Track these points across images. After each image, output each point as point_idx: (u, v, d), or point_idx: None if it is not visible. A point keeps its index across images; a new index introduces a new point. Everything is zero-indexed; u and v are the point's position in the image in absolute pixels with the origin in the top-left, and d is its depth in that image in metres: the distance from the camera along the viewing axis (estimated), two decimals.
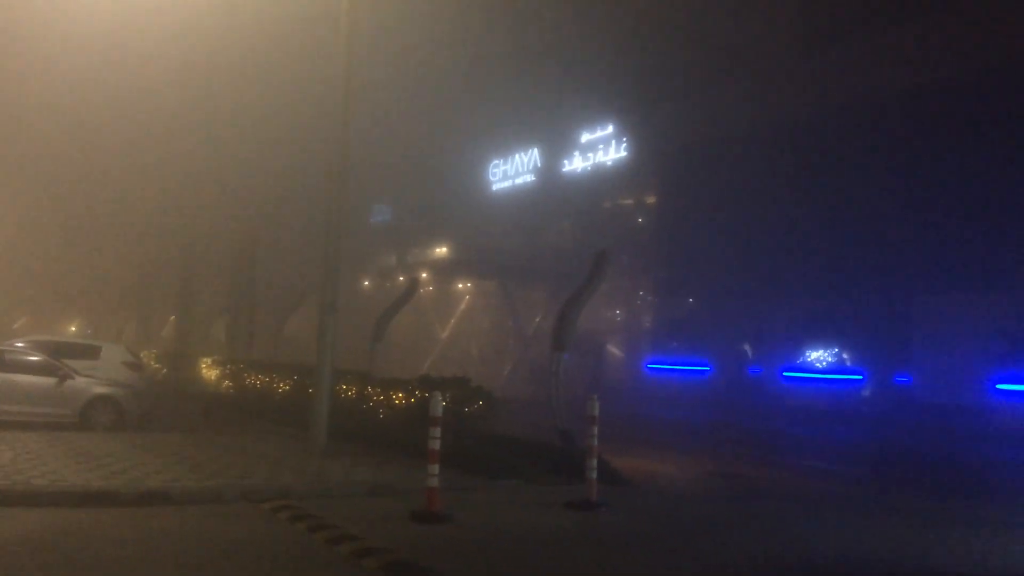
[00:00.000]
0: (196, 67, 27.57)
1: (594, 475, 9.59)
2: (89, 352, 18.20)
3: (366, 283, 46.14)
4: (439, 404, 8.74)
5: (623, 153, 33.25)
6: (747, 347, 29.77)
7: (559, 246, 34.81)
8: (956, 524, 9.41)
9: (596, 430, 9.75)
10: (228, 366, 24.23)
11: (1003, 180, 20.27)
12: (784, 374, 27.35)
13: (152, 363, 28.43)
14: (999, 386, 21.12)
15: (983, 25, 21.46)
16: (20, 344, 17.47)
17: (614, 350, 36.01)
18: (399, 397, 14.35)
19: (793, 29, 26.77)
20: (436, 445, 8.49)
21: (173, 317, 40.36)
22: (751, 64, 28.15)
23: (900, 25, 23.45)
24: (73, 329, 52.98)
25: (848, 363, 26.25)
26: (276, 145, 30.00)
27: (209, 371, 26.06)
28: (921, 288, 23.33)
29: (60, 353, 16.42)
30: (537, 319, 36.62)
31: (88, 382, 14.80)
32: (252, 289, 30.97)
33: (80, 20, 24.80)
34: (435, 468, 8.40)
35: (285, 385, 19.15)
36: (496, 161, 40.44)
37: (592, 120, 34.48)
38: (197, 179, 31.23)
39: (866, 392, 25.17)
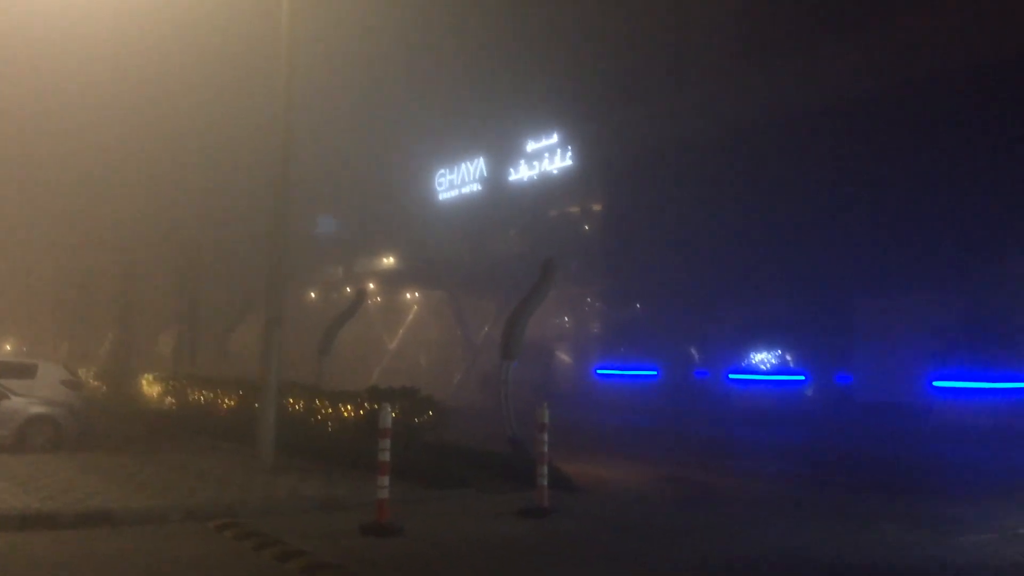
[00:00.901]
0: (136, 79, 27.09)
1: (545, 482, 9.64)
2: (25, 371, 17.63)
3: (312, 295, 45.67)
4: (388, 416, 8.71)
5: (568, 162, 33.51)
6: (693, 351, 30.22)
7: (507, 255, 34.90)
8: (895, 520, 9.67)
9: (546, 437, 9.81)
10: (171, 382, 23.75)
11: (938, 182, 20.91)
12: (730, 376, 27.83)
13: (91, 380, 27.69)
14: (935, 383, 21.79)
15: (926, 30, 22.11)
16: None
17: (564, 357, 36.23)
18: (348, 410, 14.23)
19: (737, 37, 27.34)
20: (386, 457, 8.46)
21: (112, 333, 39.39)
22: (692, 73, 28.68)
23: (840, 33, 24.08)
24: (8, 348, 51.30)
25: (791, 364, 26.84)
26: (219, 157, 29.60)
27: (151, 387, 25.50)
28: (860, 289, 23.97)
29: None
30: (486, 328, 36.66)
31: (24, 402, 14.34)
32: (195, 302, 30.42)
33: (15, 30, 24.18)
34: (385, 480, 8.36)
35: (230, 400, 18.85)
36: (442, 171, 40.39)
37: (537, 129, 34.69)
38: (137, 191, 30.60)
39: (809, 392, 25.75)
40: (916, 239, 21.51)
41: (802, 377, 26.16)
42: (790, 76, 25.02)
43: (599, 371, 32.61)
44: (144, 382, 26.45)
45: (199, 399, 20.76)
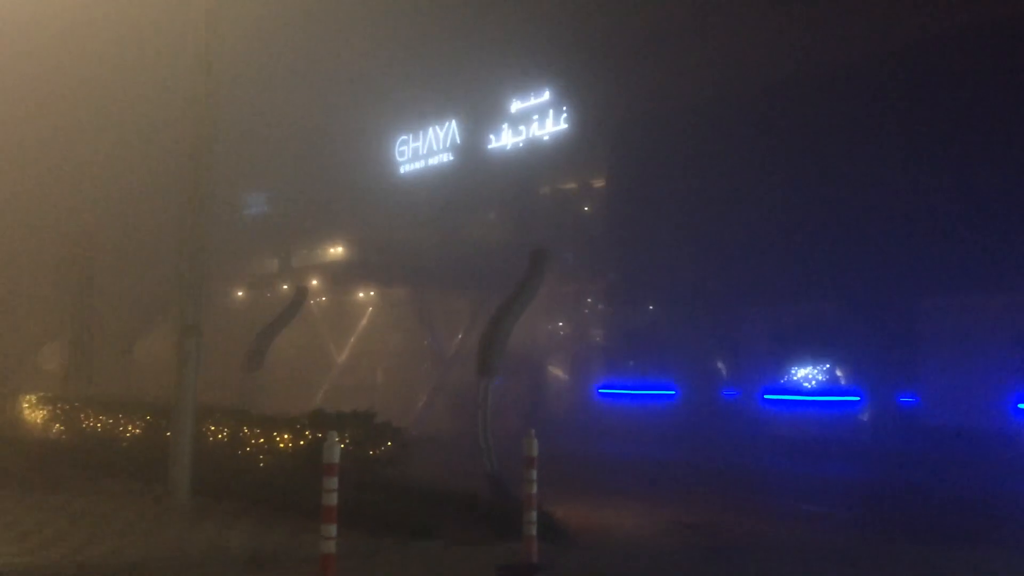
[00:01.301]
0: (23, 37, 26.90)
1: (533, 531, 9.66)
2: None
3: (240, 295, 45.55)
4: (335, 447, 8.69)
5: (563, 125, 33.55)
6: (720, 365, 30.36)
7: (486, 242, 34.91)
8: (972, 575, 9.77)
9: (535, 474, 9.84)
10: (59, 405, 23.65)
11: (1016, 162, 21.11)
12: (765, 397, 27.98)
13: None
14: (1021, 405, 22.02)
15: None
16: None
17: (558, 372, 36.30)
18: (284, 439, 14.25)
19: None
20: (332, 500, 8.43)
21: None
22: (717, 15, 28.66)
23: None
24: None
25: (842, 382, 27.00)
26: (123, 129, 29.43)
27: (33, 412, 25.40)
28: (927, 288, 24.12)
29: None
30: (459, 335, 36.66)
31: None
32: (90, 307, 30.22)
33: None
34: (331, 529, 8.34)
35: (135, 428, 18.84)
36: (404, 137, 40.37)
37: (524, 85, 34.69)
38: (17, 171, 30.41)
39: (864, 416, 25.93)
40: (994, 226, 21.68)
41: (856, 397, 26.34)
42: (840, 18, 25.11)
43: (602, 390, 32.70)
44: (24, 405, 26.33)
45: (95, 427, 20.71)
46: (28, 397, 26.71)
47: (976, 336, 23.21)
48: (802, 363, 27.66)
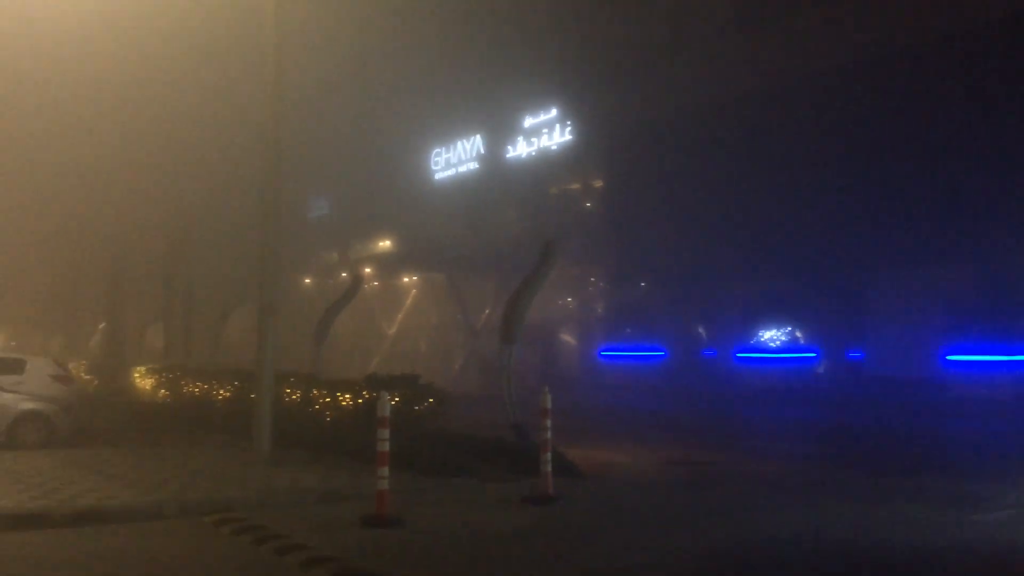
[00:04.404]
0: (121, 61, 26.85)
1: (549, 469, 9.69)
2: (13, 366, 17.65)
3: (307, 281, 45.66)
4: (387, 404, 8.72)
5: (568, 137, 33.36)
6: (701, 330, 30.26)
7: (506, 235, 34.84)
8: (909, 499, 9.72)
9: (549, 423, 9.85)
10: (164, 374, 23.81)
11: (952, 151, 20.83)
12: (738, 355, 27.88)
13: (82, 375, 27.78)
14: (949, 357, 21.84)
15: None
16: None
17: (567, 339, 36.26)
18: (346, 399, 14.27)
19: (739, 4, 27.11)
20: (385, 447, 8.48)
21: (102, 325, 39.42)
22: (694, 41, 28.45)
23: None
24: None
25: (801, 341, 26.87)
26: (207, 141, 29.43)
27: (143, 380, 25.58)
28: (871, 263, 23.93)
29: None
30: (486, 311, 36.67)
31: (14, 398, 14.40)
32: (187, 293, 30.42)
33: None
34: (385, 471, 8.39)
35: (225, 392, 18.90)
36: (438, 149, 40.24)
37: (535, 104, 34.51)
38: (124, 178, 30.48)
39: (820, 369, 25.81)
40: (929, 210, 21.45)
41: (813, 354, 26.21)
42: (797, 41, 24.85)
43: (604, 353, 32.66)
44: (136, 375, 26.52)
45: (193, 391, 20.82)
46: (138, 368, 26.90)
47: (912, 301, 23.04)
48: (768, 327, 27.55)
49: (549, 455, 9.72)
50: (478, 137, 38.11)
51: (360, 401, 13.75)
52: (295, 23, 16.00)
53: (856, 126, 22.71)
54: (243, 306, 33.83)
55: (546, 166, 34.10)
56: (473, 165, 38.33)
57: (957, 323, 21.81)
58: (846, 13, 23.58)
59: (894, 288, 23.72)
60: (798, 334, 27.14)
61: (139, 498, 9.30)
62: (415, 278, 43.57)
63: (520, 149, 35.54)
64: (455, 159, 39.34)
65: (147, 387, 24.92)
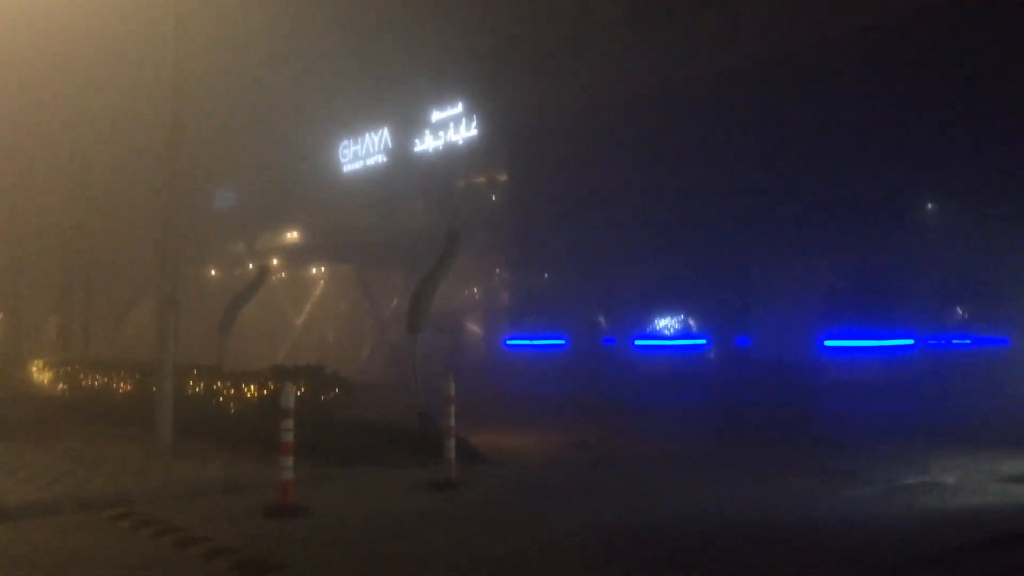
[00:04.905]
0: (21, 47, 25.37)
1: (452, 455, 9.66)
2: None
3: (213, 272, 44.31)
4: (290, 395, 8.54)
5: (473, 131, 33.35)
6: (601, 319, 30.74)
7: (413, 226, 34.62)
8: (791, 474, 10.12)
9: (453, 409, 9.82)
10: (63, 367, 22.73)
11: (828, 151, 21.74)
12: (636, 343, 28.44)
13: None
14: (826, 343, 22.84)
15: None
16: None
17: (473, 328, 36.30)
18: (251, 390, 13.92)
19: (639, 3, 27.58)
20: (289, 437, 8.31)
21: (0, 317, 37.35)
22: (595, 39, 28.82)
23: None
24: None
25: (694, 329, 27.61)
26: (108, 134, 28.18)
27: (41, 374, 24.36)
28: (756, 255, 24.78)
29: None
30: (394, 301, 36.36)
31: None
32: (86, 284, 29.06)
33: None
34: (289, 461, 8.21)
35: (127, 385, 18.19)
36: (346, 142, 39.64)
37: (442, 98, 34.37)
38: (21, 168, 28.89)
39: (710, 355, 26.59)
40: (808, 206, 22.34)
41: (704, 341, 26.96)
42: (692, 41, 25.46)
43: (508, 341, 32.82)
44: (34, 368, 25.25)
45: (93, 384, 19.96)
46: (36, 362, 25.59)
47: (792, 291, 23.96)
48: (663, 315, 28.20)
49: (453, 441, 9.70)
50: (386, 130, 37.73)
51: (265, 392, 13.44)
52: (198, 10, 15.42)
53: (744, 125, 23.46)
54: (145, 298, 32.61)
55: (452, 160, 34.04)
56: (381, 158, 37.93)
57: (833, 311, 22.83)
58: (740, 14, 24.27)
59: (777, 278, 24.63)
60: (691, 322, 27.89)
61: (36, 493, 8.83)
62: (323, 269, 42.82)
63: (427, 143, 35.35)
64: (363, 152, 38.84)
65: (45, 381, 23.74)
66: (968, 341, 21.66)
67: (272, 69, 37.18)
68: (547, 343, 31.10)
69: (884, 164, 20.92)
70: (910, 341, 21.95)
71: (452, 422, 9.77)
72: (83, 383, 20.55)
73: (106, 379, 19.25)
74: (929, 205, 22.72)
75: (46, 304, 34.14)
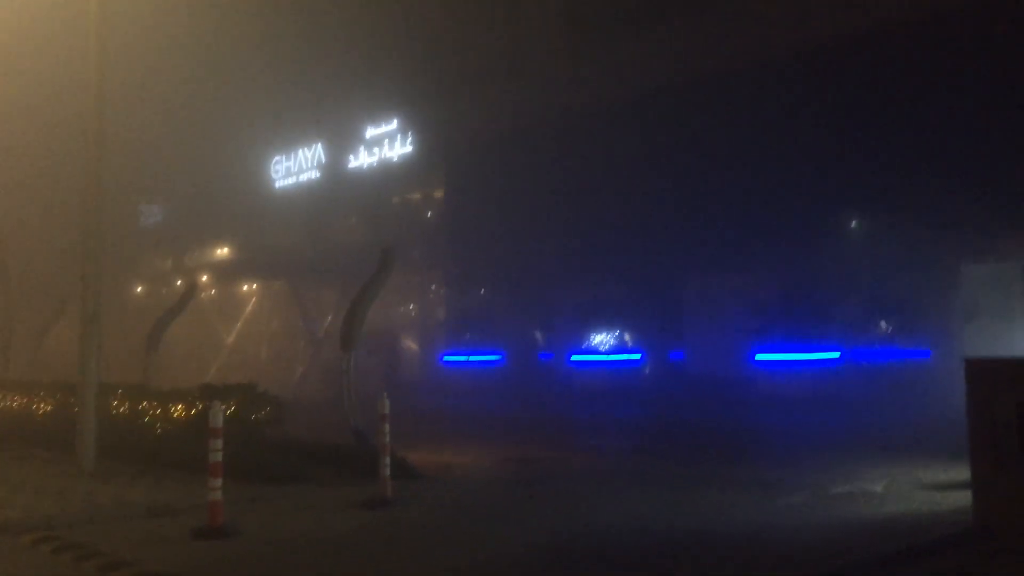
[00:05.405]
0: None
1: (388, 472, 9.59)
2: None
3: (139, 289, 43.15)
4: (219, 414, 8.39)
5: (408, 148, 33.29)
6: (537, 334, 30.85)
7: (348, 243, 34.30)
8: (723, 486, 10.32)
9: (387, 427, 9.76)
10: None
11: (756, 168, 22.32)
12: (572, 358, 28.63)
13: None
14: (757, 357, 23.37)
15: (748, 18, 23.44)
16: None
17: (409, 345, 36.06)
18: (178, 410, 13.55)
19: (571, 21, 27.97)
20: (218, 457, 8.15)
21: None
22: (528, 57, 29.13)
23: (680, 13, 24.93)
24: None
25: (629, 344, 27.94)
26: (27, 141, 27.27)
27: None
28: (688, 271, 25.25)
29: None
30: (329, 318, 35.91)
31: None
32: (3, 301, 27.94)
33: None
34: (217, 482, 8.04)
35: (47, 405, 17.50)
36: (278, 157, 39.11)
37: (376, 115, 34.23)
38: None
39: (645, 370, 26.91)
40: (738, 221, 22.88)
41: (639, 356, 27.29)
42: (624, 59, 25.91)
43: (446, 358, 32.69)
44: None
45: (11, 405, 19.16)
46: None
47: (725, 306, 24.46)
48: (599, 331, 28.46)
49: (388, 459, 9.64)
50: (319, 146, 37.38)
51: (193, 412, 13.09)
52: (125, 20, 15.11)
53: (676, 143, 23.93)
54: (66, 317, 31.50)
55: (387, 176, 33.89)
56: (314, 174, 37.54)
57: (764, 325, 23.37)
58: (675, 31, 24.78)
59: (709, 293, 25.12)
60: (626, 337, 28.20)
61: None
62: (255, 286, 42.07)
63: (362, 159, 35.13)
64: (296, 167, 38.39)
65: None
66: (893, 353, 22.39)
67: (202, 83, 36.56)
68: (484, 359, 31.07)
69: (810, 181, 21.58)
70: (836, 354, 22.60)
71: (387, 440, 9.70)
72: (0, 404, 19.72)
73: (25, 399, 18.52)
74: (854, 222, 23.50)
75: None
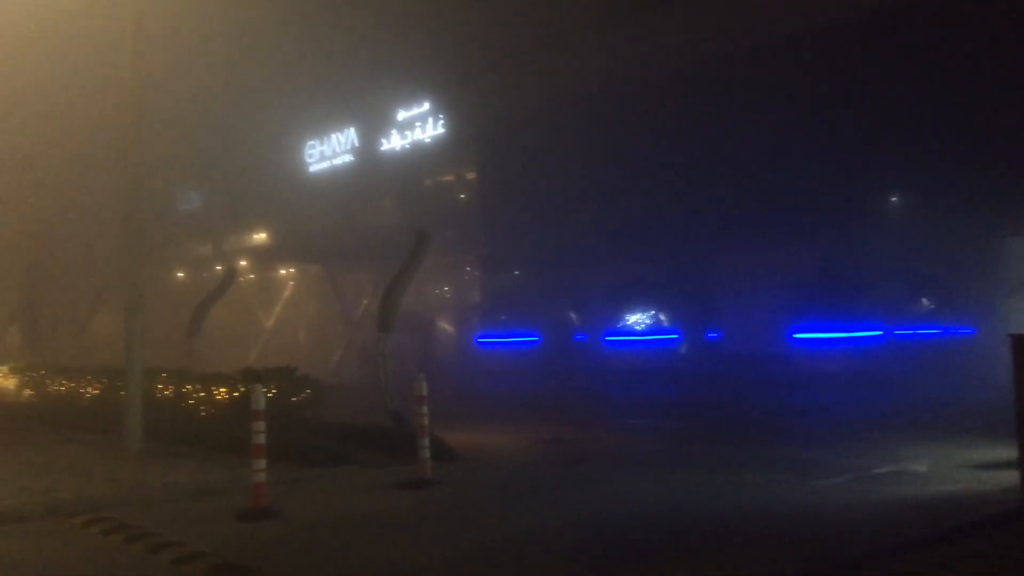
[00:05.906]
0: None
1: (427, 453, 9.65)
2: None
3: (180, 275, 43.81)
4: (261, 396, 8.48)
5: (440, 130, 33.30)
6: (572, 315, 30.84)
7: (382, 226, 34.49)
8: (760, 467, 10.25)
9: (426, 408, 9.81)
10: (28, 373, 22.35)
11: (796, 144, 21.97)
12: (607, 339, 28.58)
13: None
14: (795, 335, 23.12)
15: None
16: None
17: (445, 327, 36.26)
18: (221, 392, 13.80)
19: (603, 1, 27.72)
20: (261, 439, 8.24)
21: None
22: (561, 38, 28.91)
23: None
24: None
25: (665, 324, 27.81)
26: (71, 132, 27.74)
27: (6, 380, 23.94)
28: (725, 249, 25.02)
29: None
30: (364, 301, 36.21)
31: None
32: (51, 289, 28.62)
33: None
34: (261, 463, 8.15)
35: (94, 389, 17.93)
36: (312, 142, 39.37)
37: (408, 97, 34.27)
38: None
39: (682, 350, 26.80)
40: (775, 200, 22.59)
41: (675, 335, 27.16)
42: (658, 38, 25.61)
43: (480, 340, 32.83)
44: None
45: (60, 390, 19.65)
46: (0, 368, 25.14)
47: (761, 284, 24.23)
48: (634, 311, 28.37)
49: (427, 440, 9.68)
50: (352, 130, 37.53)
51: (236, 394, 13.33)
52: (160, 9, 15.25)
53: (710, 120, 23.63)
54: (111, 303, 32.16)
55: (420, 158, 33.95)
56: (348, 157, 37.72)
57: (802, 303, 23.11)
58: (703, 13, 24.46)
59: (746, 272, 24.89)
60: (662, 317, 28.08)
61: (4, 500, 8.68)
62: (292, 270, 42.51)
63: (394, 142, 35.23)
64: (329, 151, 38.61)
65: (10, 387, 23.33)
66: (935, 331, 22.02)
67: (237, 70, 36.83)
68: (519, 340, 31.15)
69: (850, 157, 21.22)
70: (878, 332, 22.28)
71: (425, 421, 9.76)
72: (49, 388, 20.23)
73: (73, 384, 18.97)
74: (895, 197, 23.07)
75: (9, 309, 33.55)
